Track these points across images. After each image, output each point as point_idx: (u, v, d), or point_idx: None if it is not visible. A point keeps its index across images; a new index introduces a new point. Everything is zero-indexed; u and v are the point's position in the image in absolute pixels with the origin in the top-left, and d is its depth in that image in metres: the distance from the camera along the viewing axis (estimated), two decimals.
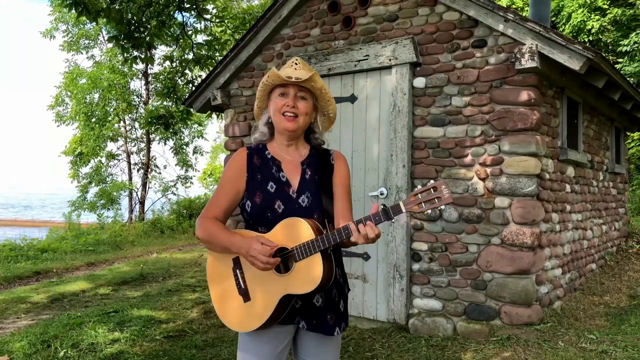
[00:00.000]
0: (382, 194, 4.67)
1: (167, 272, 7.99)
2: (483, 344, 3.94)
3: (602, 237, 6.36)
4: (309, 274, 1.85)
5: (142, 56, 7.80)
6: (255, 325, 1.90)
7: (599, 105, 5.89)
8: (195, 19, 11.12)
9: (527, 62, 4.02)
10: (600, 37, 13.73)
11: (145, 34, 7.32)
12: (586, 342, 3.81)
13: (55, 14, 16.46)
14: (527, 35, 4.06)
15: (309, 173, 2.03)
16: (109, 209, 16.48)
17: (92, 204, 16.77)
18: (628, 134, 11.32)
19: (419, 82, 4.59)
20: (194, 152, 18.62)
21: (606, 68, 4.34)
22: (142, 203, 17.09)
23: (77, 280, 7.36)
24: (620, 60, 13.26)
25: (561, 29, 14.23)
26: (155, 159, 17.71)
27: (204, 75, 10.73)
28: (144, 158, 17.41)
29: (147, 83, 16.97)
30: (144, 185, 17.19)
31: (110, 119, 16.66)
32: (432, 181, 1.84)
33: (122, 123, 17.45)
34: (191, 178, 18.32)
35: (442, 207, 1.80)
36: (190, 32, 10.52)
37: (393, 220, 1.86)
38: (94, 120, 16.51)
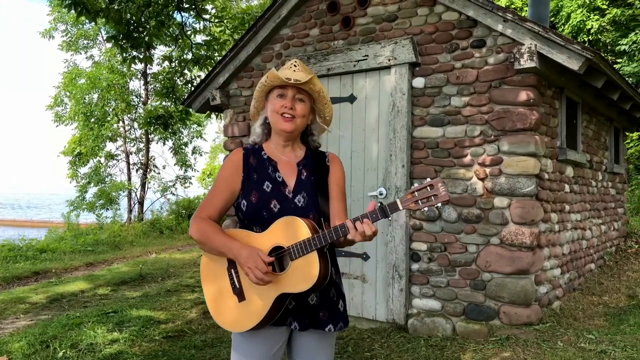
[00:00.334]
0: (381, 194, 4.67)
1: (166, 273, 7.99)
2: (482, 344, 3.94)
3: (601, 237, 6.36)
4: (305, 273, 1.85)
5: (141, 56, 7.79)
6: (250, 324, 1.89)
7: (598, 105, 5.89)
8: (194, 19, 11.14)
9: (526, 62, 4.02)
10: (600, 37, 13.74)
11: (144, 34, 7.32)
12: (585, 342, 3.81)
13: (54, 14, 16.45)
14: (526, 35, 4.06)
15: (305, 174, 2.04)
16: (108, 209, 16.46)
17: (90, 204, 16.75)
18: (627, 134, 11.32)
19: (418, 82, 4.59)
20: (193, 152, 18.62)
21: (605, 68, 4.34)
22: (141, 203, 17.07)
23: (76, 281, 7.36)
24: (619, 60, 13.27)
25: (560, 29, 14.23)
26: (154, 159, 17.71)
27: (203, 75, 10.74)
28: (143, 158, 17.40)
29: (146, 83, 16.96)
30: (143, 185, 17.18)
31: (109, 119, 16.64)
32: (428, 179, 1.85)
33: (121, 123, 17.43)
34: (190, 178, 18.33)
35: (439, 204, 1.81)
36: (189, 32, 10.52)
37: (390, 218, 1.86)
38: (93, 120, 16.49)
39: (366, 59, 4.76)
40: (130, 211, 17.18)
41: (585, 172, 5.75)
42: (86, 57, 17.49)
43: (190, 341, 4.41)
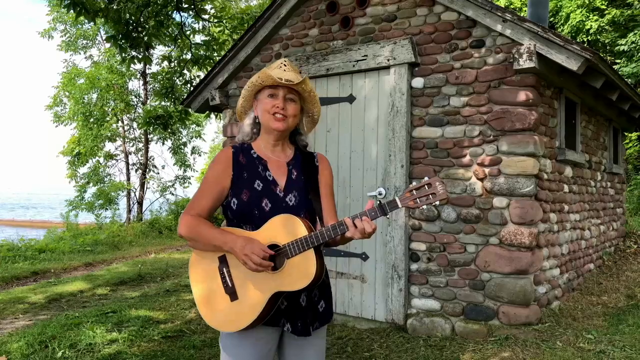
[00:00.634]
0: (380, 194, 4.67)
1: (165, 273, 7.99)
2: (481, 344, 3.94)
3: (600, 237, 6.37)
4: (303, 271, 1.85)
5: (140, 56, 7.76)
6: (243, 324, 1.87)
7: (597, 105, 5.90)
8: (193, 19, 11.14)
9: (525, 63, 4.03)
10: (599, 37, 13.75)
11: (144, 34, 7.31)
12: (584, 342, 3.81)
13: (53, 13, 16.43)
14: (525, 35, 4.07)
15: (295, 173, 2.05)
16: (107, 209, 16.45)
17: (89, 204, 16.74)
18: (626, 134, 11.33)
19: (417, 82, 4.59)
20: (192, 152, 18.64)
21: (604, 68, 4.34)
22: (140, 203, 17.06)
23: (75, 281, 7.35)
24: (618, 60, 13.27)
25: (560, 29, 14.24)
26: (153, 159, 17.72)
27: (202, 75, 10.73)
28: (142, 158, 17.39)
29: (145, 83, 16.95)
30: (142, 185, 17.17)
31: (108, 119, 16.64)
32: (426, 178, 1.88)
33: (120, 123, 17.43)
34: (189, 178, 18.34)
35: (437, 203, 1.84)
36: (188, 32, 10.51)
37: (388, 216, 1.87)
38: (92, 120, 16.48)
39: (365, 59, 4.76)
40: (129, 211, 17.18)
41: (584, 172, 5.76)
42: (85, 57, 17.52)
43: (189, 341, 4.41)
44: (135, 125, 17.34)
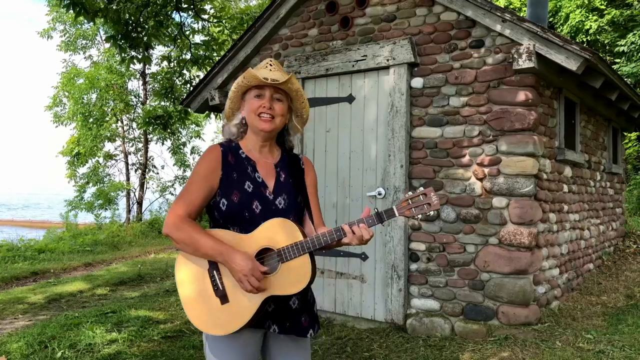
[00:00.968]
0: (380, 194, 4.67)
1: (164, 273, 7.99)
2: (481, 344, 3.95)
3: (599, 237, 6.37)
4: (298, 275, 1.85)
5: (140, 56, 7.76)
6: (235, 327, 1.85)
7: (596, 105, 5.90)
8: (192, 19, 11.13)
9: (524, 63, 4.03)
10: (598, 37, 13.75)
11: (143, 34, 7.31)
12: (583, 342, 3.81)
13: (52, 13, 16.43)
14: (524, 35, 4.07)
15: (283, 176, 2.04)
16: (106, 209, 16.45)
17: (89, 204, 16.74)
18: (625, 134, 11.33)
19: (417, 82, 4.59)
20: (192, 152, 18.63)
21: (603, 68, 4.35)
22: (139, 203, 17.06)
23: (75, 281, 7.35)
24: (617, 60, 13.28)
25: (559, 30, 14.25)
26: (152, 159, 17.72)
27: (201, 75, 10.72)
28: (142, 158, 17.39)
29: (144, 83, 16.95)
30: (142, 185, 17.17)
31: (107, 119, 16.64)
32: (421, 188, 1.95)
33: (119, 123, 17.43)
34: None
35: (431, 213, 1.93)
36: (187, 32, 10.51)
37: (383, 225, 1.93)
38: (91, 120, 16.48)
39: (365, 59, 4.76)
40: (128, 211, 17.18)
41: (584, 172, 5.76)
42: (85, 57, 17.51)
43: (189, 341, 4.41)
44: (134, 125, 17.35)
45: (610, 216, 6.97)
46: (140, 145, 17.59)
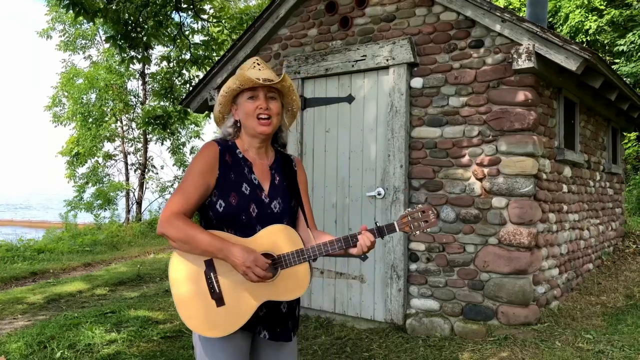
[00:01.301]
0: (379, 194, 4.67)
1: (164, 273, 7.98)
2: (480, 344, 3.94)
3: (599, 237, 6.37)
4: (298, 281, 1.87)
5: (139, 56, 7.75)
6: (230, 330, 1.83)
7: (595, 105, 5.90)
8: (192, 19, 11.11)
9: (524, 63, 4.03)
10: (598, 37, 13.75)
11: (143, 34, 7.31)
12: (583, 341, 3.81)
13: (52, 13, 16.42)
14: (524, 35, 4.07)
15: (278, 178, 2.03)
16: (105, 209, 16.46)
17: (88, 204, 16.74)
18: (625, 134, 11.34)
19: (416, 82, 4.59)
20: (191, 152, 18.62)
21: (603, 68, 4.35)
22: (139, 203, 17.06)
23: (74, 281, 7.35)
24: (617, 60, 13.29)
25: (559, 30, 14.25)
26: (152, 159, 17.71)
27: (201, 75, 10.72)
28: (141, 158, 17.39)
29: (144, 83, 16.95)
30: (141, 185, 17.17)
31: (107, 119, 16.64)
32: (420, 205, 2.08)
33: (119, 123, 17.43)
34: None
35: (428, 230, 2.05)
36: (187, 33, 10.50)
37: (383, 239, 2.01)
38: (90, 120, 16.48)
39: (364, 59, 4.76)
40: (128, 211, 17.17)
41: (583, 172, 5.76)
42: (84, 57, 17.50)
43: (189, 341, 4.41)
44: (134, 125, 17.35)
45: (610, 216, 6.97)
46: (139, 145, 17.59)
